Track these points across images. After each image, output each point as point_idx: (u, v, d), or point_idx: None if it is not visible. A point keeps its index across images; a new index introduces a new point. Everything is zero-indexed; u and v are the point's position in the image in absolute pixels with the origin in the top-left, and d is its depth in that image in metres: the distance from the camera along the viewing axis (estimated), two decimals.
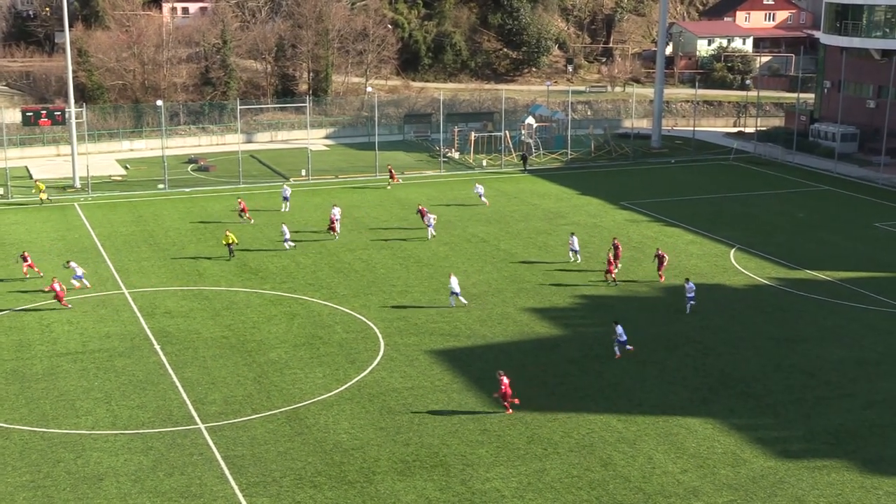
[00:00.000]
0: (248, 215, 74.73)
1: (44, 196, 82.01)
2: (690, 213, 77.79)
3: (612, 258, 60.97)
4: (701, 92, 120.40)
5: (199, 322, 53.78)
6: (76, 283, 58.03)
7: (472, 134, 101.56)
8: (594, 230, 72.60)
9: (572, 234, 65.38)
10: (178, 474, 37.57)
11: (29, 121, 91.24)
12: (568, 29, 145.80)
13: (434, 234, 69.79)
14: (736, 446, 39.77)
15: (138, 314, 55.07)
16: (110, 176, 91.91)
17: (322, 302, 56.76)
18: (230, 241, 64.39)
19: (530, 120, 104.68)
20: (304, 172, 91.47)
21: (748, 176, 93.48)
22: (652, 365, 47.84)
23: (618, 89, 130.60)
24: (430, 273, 62.21)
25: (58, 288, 54.95)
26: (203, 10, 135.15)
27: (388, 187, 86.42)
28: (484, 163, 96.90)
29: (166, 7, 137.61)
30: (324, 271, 62.67)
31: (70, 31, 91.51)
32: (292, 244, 67.10)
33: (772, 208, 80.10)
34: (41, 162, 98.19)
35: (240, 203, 75.66)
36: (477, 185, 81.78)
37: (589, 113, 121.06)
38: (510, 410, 42.44)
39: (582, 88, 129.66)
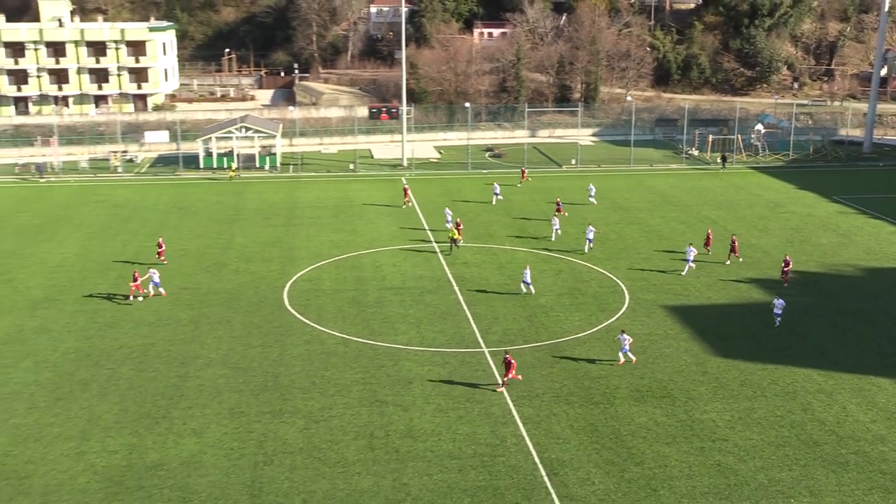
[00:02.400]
0: (407, 201, 71.43)
1: (233, 174, 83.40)
2: (894, 208, 71.77)
3: (707, 241, 57.88)
4: None
5: (487, 271, 54.86)
6: (151, 290, 49.81)
7: (710, 136, 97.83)
8: (808, 219, 68.42)
9: (690, 244, 56.13)
10: (465, 384, 38.77)
11: (373, 115, 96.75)
12: (796, 53, 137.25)
13: (591, 246, 58.78)
14: None
15: (443, 262, 56.79)
16: (428, 158, 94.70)
17: (582, 262, 56.57)
18: (454, 237, 59.11)
19: (759, 126, 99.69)
20: (574, 162, 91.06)
21: None
22: (851, 333, 44.81)
23: (836, 103, 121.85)
24: (668, 245, 60.63)
25: (138, 281, 49.15)
26: (504, 34, 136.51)
27: (519, 185, 79.90)
28: (718, 160, 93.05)
29: (476, 32, 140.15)
30: (585, 238, 62.11)
31: (406, 49, 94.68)
32: (451, 225, 62.49)
33: None
34: (379, 146, 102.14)
35: (406, 190, 72.68)
36: (590, 185, 74.75)
37: (809, 122, 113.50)
38: (503, 387, 38.06)
39: (805, 102, 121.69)
